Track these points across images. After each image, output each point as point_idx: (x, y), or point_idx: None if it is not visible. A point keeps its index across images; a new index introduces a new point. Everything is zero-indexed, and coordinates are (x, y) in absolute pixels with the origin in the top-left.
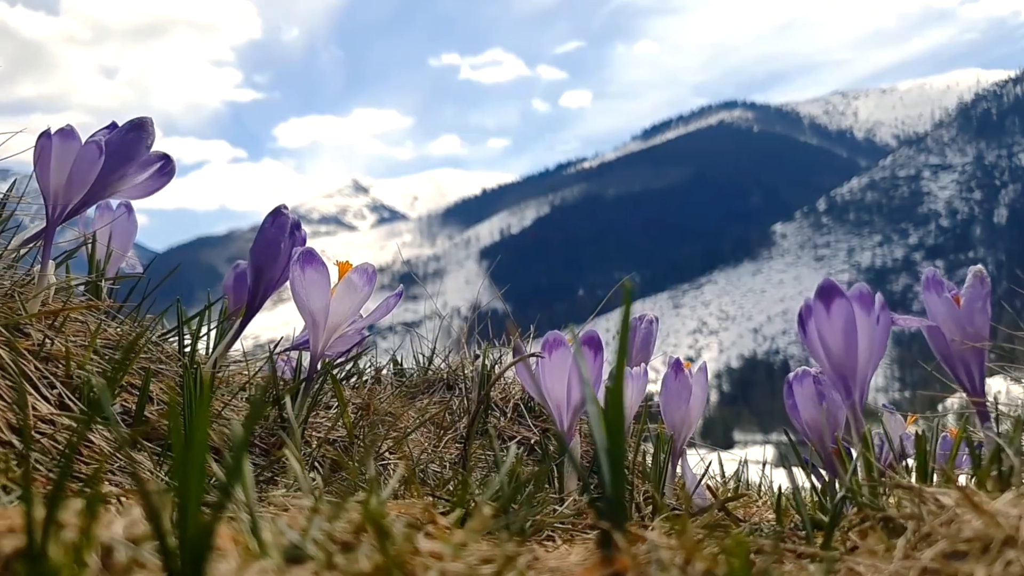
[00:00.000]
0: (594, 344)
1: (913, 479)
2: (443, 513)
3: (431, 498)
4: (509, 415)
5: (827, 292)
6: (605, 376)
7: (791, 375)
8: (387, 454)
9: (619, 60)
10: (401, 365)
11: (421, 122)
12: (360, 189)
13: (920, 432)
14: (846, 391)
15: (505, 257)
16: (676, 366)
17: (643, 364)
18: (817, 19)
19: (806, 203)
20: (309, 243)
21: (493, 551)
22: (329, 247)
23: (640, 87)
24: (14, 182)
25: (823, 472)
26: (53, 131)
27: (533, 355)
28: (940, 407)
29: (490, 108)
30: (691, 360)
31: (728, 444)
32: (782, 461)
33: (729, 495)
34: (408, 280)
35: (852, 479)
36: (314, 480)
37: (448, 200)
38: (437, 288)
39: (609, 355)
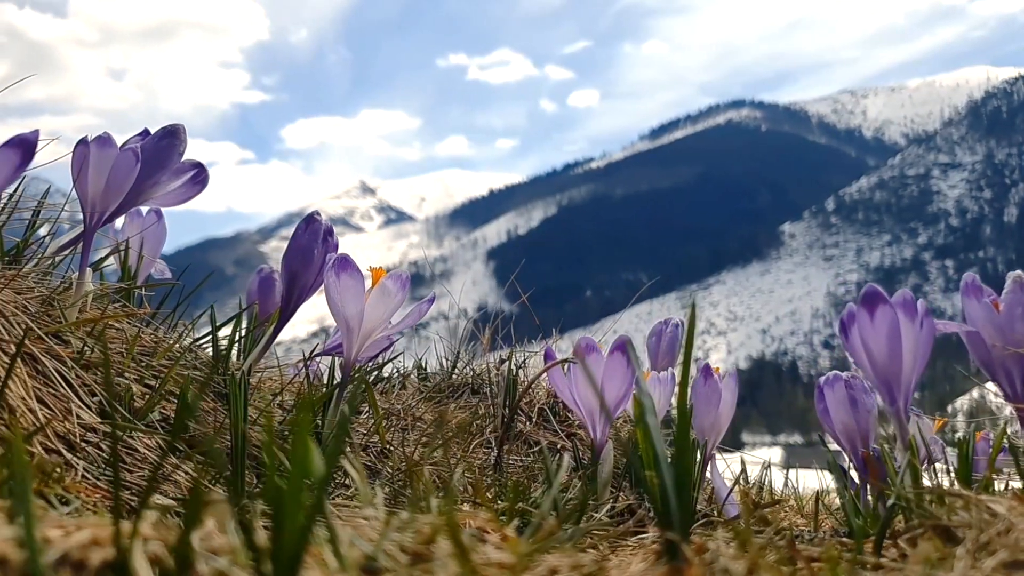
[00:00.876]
0: (625, 350)
1: (954, 485)
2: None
3: (488, 507)
4: (534, 420)
5: (871, 299)
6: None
7: (822, 379)
8: (418, 459)
9: (626, 60)
10: (425, 370)
11: (428, 123)
12: (367, 190)
13: (962, 438)
14: (890, 398)
15: (512, 258)
16: (706, 371)
17: (669, 368)
18: (824, 18)
19: (814, 203)
20: None
21: (559, 561)
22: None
23: (647, 87)
24: (47, 189)
25: (855, 477)
26: (90, 139)
27: (565, 361)
28: (949, 408)
29: (497, 108)
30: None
31: (737, 445)
32: (788, 463)
33: (762, 501)
34: (417, 281)
35: (901, 486)
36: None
37: (455, 201)
38: (445, 289)
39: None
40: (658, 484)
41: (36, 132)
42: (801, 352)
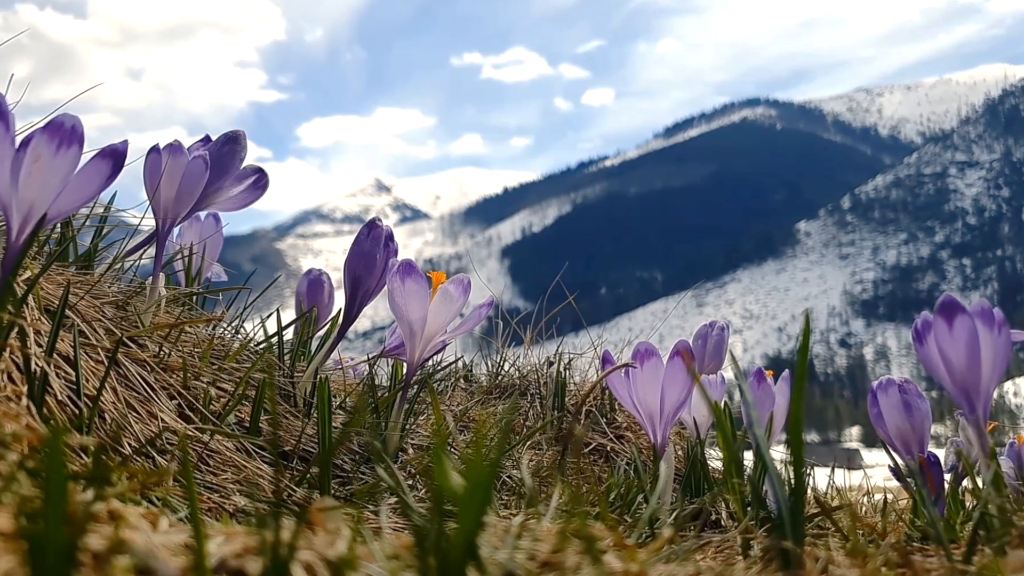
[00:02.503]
0: (686, 355)
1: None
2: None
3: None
4: (583, 421)
5: (949, 308)
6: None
7: (875, 384)
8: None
9: (641, 59)
10: (471, 371)
11: (443, 121)
12: (383, 188)
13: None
14: (969, 406)
15: (526, 256)
16: (759, 375)
17: (718, 372)
18: (839, 16)
19: (830, 201)
20: (331, 242)
21: (676, 570)
22: None
23: (662, 85)
24: (114, 195)
25: (911, 482)
26: (161, 146)
27: (625, 365)
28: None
29: (512, 107)
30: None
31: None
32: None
33: (828, 505)
34: None
35: (988, 493)
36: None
37: (470, 199)
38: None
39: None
40: (749, 490)
41: (125, 142)
42: (818, 351)
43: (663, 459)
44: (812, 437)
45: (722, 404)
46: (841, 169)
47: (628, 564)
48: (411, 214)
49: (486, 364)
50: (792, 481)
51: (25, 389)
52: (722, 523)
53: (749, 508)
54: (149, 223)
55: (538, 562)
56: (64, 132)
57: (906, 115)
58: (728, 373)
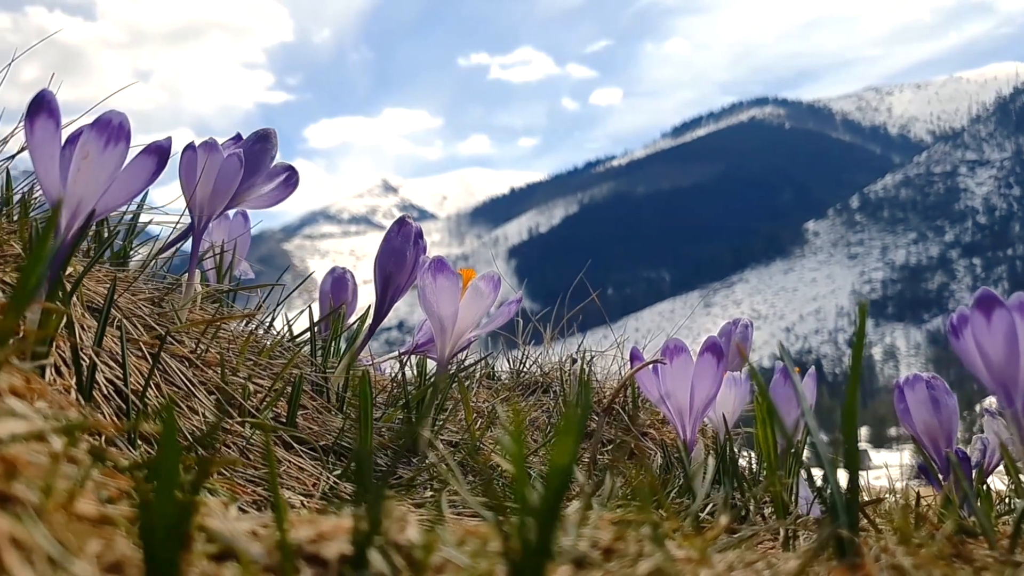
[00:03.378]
0: (716, 351)
1: None
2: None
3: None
4: (603, 422)
5: (987, 302)
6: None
7: (901, 380)
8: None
9: (648, 59)
10: (493, 368)
11: (450, 122)
12: (389, 189)
13: None
14: (1008, 400)
15: (533, 256)
16: (784, 372)
17: (742, 369)
18: (845, 15)
19: (839, 200)
20: (338, 243)
21: (733, 557)
22: (359, 247)
23: (669, 85)
24: (145, 194)
25: (940, 478)
26: (197, 144)
27: (655, 362)
28: (977, 407)
29: (519, 107)
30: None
31: None
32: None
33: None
34: None
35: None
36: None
37: (476, 200)
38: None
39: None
40: (788, 483)
41: (169, 139)
42: (826, 351)
43: (694, 453)
44: (821, 437)
45: (749, 401)
46: (850, 168)
47: (688, 551)
48: (418, 215)
49: (507, 362)
50: (847, 468)
51: (73, 382)
52: (750, 517)
53: (785, 502)
54: (168, 220)
55: (601, 548)
56: (112, 129)
57: (916, 114)
58: (756, 358)
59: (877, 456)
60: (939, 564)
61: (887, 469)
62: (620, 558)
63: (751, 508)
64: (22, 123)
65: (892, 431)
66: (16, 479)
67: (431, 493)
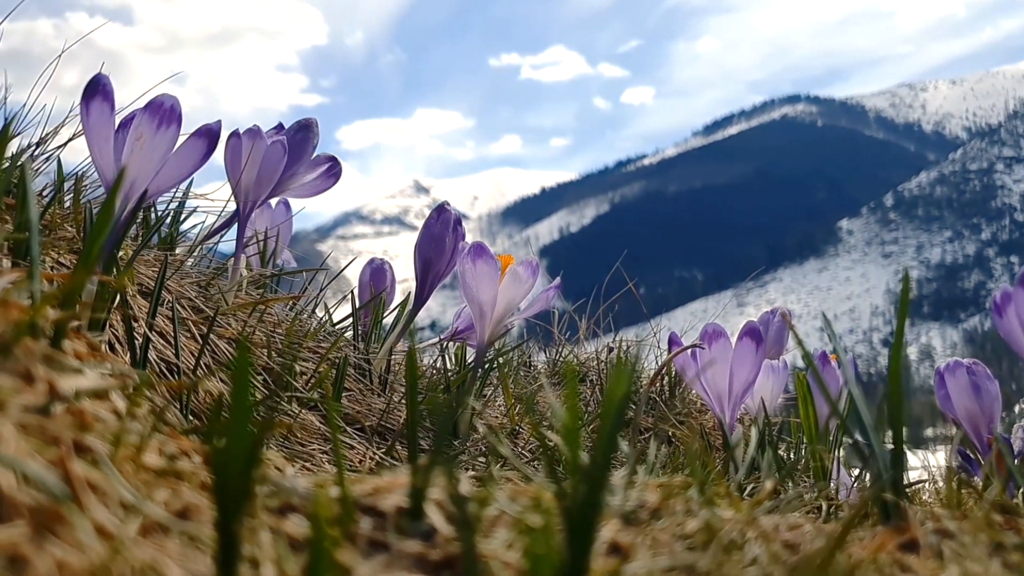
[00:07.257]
0: (755, 336)
1: None
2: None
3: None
4: (642, 407)
5: None
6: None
7: (942, 366)
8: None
9: (679, 58)
10: (529, 357)
11: (482, 122)
12: (421, 189)
13: None
14: None
15: (564, 256)
16: (823, 358)
17: (781, 357)
18: (878, 12)
19: (873, 198)
20: (372, 243)
21: (778, 521)
22: (392, 247)
23: (700, 84)
24: (191, 181)
25: (981, 461)
26: (241, 131)
27: (694, 346)
28: (1016, 408)
29: (551, 107)
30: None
31: None
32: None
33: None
34: None
35: None
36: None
37: (508, 199)
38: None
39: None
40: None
41: (219, 122)
42: (860, 350)
43: (734, 437)
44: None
45: (778, 388)
46: (884, 166)
47: (736, 512)
48: None
49: (544, 353)
50: (892, 433)
51: (127, 359)
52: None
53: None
54: (212, 206)
55: (648, 508)
56: (164, 112)
57: (951, 110)
58: (789, 358)
59: (913, 458)
60: (986, 529)
61: (925, 468)
62: (668, 516)
63: (792, 480)
64: (73, 112)
65: (929, 431)
66: (87, 432)
67: (474, 471)
